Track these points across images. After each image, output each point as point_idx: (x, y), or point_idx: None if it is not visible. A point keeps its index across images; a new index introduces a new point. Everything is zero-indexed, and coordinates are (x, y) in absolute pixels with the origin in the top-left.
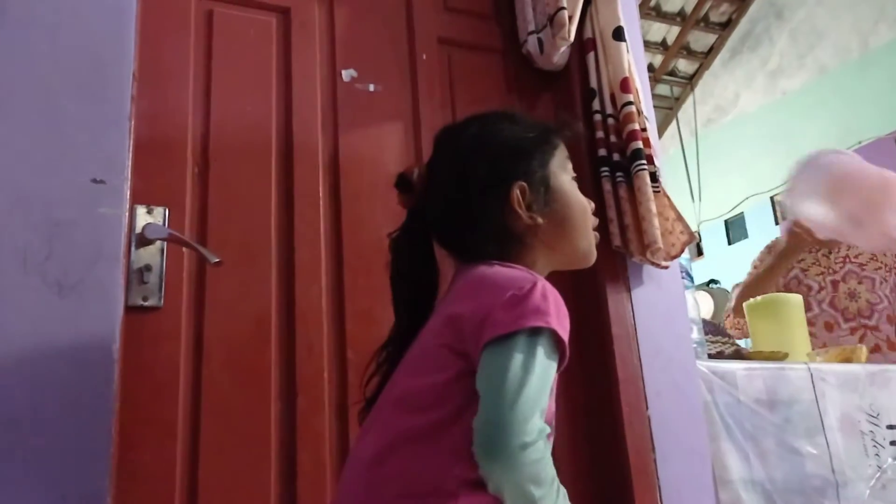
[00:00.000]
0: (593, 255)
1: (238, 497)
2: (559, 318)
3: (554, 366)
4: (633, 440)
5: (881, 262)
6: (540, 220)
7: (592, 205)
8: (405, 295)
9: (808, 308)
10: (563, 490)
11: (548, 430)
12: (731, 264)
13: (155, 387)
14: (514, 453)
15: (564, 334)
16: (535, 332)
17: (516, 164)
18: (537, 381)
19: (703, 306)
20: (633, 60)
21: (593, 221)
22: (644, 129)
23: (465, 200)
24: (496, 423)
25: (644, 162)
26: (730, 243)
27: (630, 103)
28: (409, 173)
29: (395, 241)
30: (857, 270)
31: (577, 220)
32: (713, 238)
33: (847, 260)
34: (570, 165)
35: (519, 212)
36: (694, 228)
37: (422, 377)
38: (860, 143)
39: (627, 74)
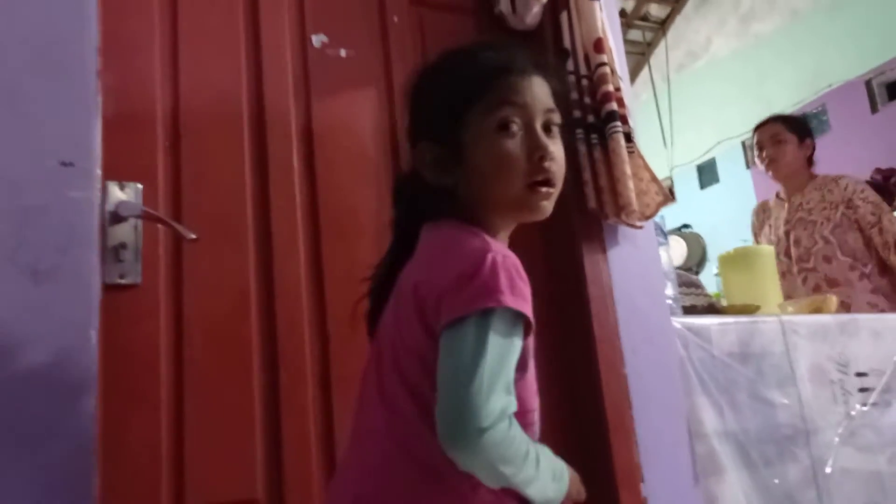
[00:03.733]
0: (533, 209)
1: (224, 471)
2: (513, 291)
3: (515, 341)
4: (611, 397)
5: (827, 202)
6: (447, 180)
7: (543, 153)
8: (402, 223)
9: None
10: (543, 454)
11: (512, 407)
12: (702, 208)
13: (137, 364)
14: (473, 439)
15: (522, 306)
16: (486, 313)
17: (425, 122)
18: (492, 362)
19: (676, 251)
20: (607, 18)
21: (532, 172)
22: (618, 89)
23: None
24: (452, 411)
25: (618, 123)
26: (701, 188)
27: (604, 64)
28: None
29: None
30: (804, 216)
31: (492, 173)
32: (685, 183)
33: (800, 208)
34: (504, 112)
35: (424, 174)
36: (666, 174)
37: (407, 352)
38: (830, 85)
39: (601, 34)
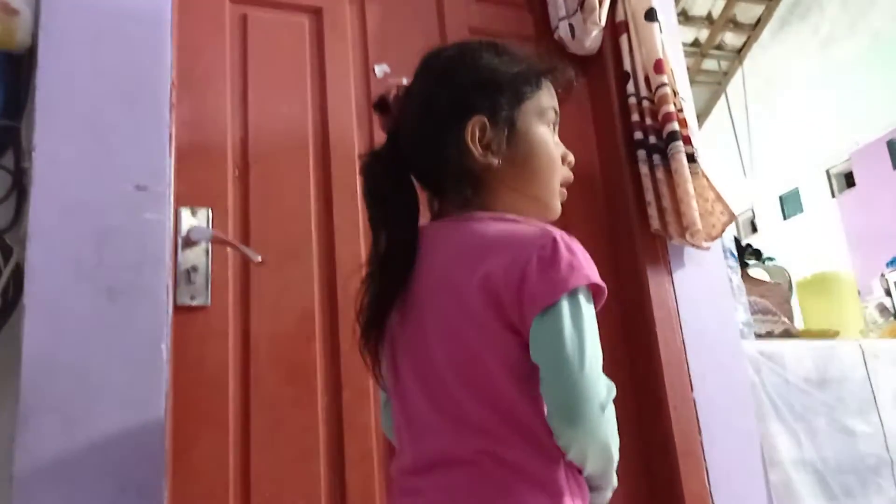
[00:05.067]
0: (555, 209)
1: (289, 488)
2: (589, 265)
3: (593, 309)
4: (679, 423)
5: None
6: (494, 159)
7: (571, 159)
8: (384, 216)
9: None
10: None
11: (613, 384)
12: (786, 240)
13: (206, 382)
14: (596, 416)
15: (598, 278)
16: (574, 291)
17: (481, 96)
18: (592, 339)
19: None
20: (668, 40)
21: (565, 175)
22: (680, 110)
23: (429, 130)
24: (571, 394)
25: (680, 143)
26: (785, 218)
27: (665, 84)
28: (387, 94)
29: (367, 165)
30: None
31: (539, 166)
32: (767, 214)
33: None
34: (551, 114)
35: (471, 148)
36: (747, 205)
37: (476, 360)
38: None
39: (661, 56)
